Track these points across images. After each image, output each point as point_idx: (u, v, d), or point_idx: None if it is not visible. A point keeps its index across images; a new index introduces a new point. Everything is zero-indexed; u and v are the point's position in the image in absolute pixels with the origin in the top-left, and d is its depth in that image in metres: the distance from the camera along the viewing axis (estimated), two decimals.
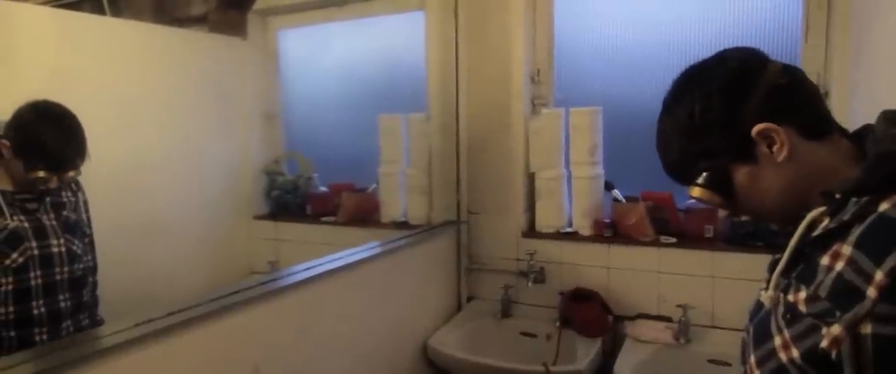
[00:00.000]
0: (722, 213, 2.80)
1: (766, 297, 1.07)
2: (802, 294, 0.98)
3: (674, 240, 2.89)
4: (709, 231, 2.86)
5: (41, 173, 1.79)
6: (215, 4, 3.14)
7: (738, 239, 2.77)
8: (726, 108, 1.09)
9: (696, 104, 1.11)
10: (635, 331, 2.82)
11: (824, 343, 0.91)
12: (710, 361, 2.60)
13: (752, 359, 1.06)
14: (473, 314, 3.20)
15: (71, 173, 1.85)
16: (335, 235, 3.40)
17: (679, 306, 2.75)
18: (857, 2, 2.47)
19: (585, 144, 3.03)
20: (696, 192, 1.17)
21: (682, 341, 2.71)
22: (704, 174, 1.15)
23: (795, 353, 0.96)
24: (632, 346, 2.74)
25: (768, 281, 1.08)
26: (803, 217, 1.04)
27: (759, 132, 1.07)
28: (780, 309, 1.02)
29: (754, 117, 1.07)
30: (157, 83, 2.86)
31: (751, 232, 2.73)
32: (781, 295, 1.03)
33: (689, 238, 2.90)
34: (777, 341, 1.00)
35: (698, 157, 1.14)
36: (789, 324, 0.99)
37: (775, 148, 1.08)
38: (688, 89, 1.14)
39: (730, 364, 2.56)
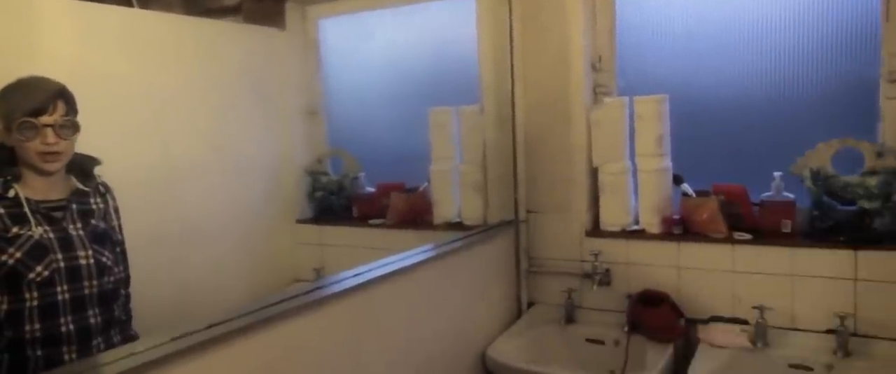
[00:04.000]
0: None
1: None
2: None
3: (749, 236, 2.87)
4: (786, 226, 2.84)
5: (23, 119, 1.76)
6: None
7: (819, 234, 2.75)
8: None
9: None
10: (709, 335, 2.80)
11: None
12: (792, 366, 2.58)
13: None
14: (535, 321, 3.19)
15: (58, 117, 1.79)
16: (384, 238, 3.40)
17: (755, 307, 2.72)
18: None
19: (652, 135, 3.01)
20: None
21: (759, 345, 2.69)
22: None
23: None
24: (705, 351, 2.72)
25: None
26: None
27: None
28: None
29: None
30: (189, 79, 2.86)
31: (832, 226, 2.72)
32: None
33: (765, 234, 2.87)
34: None
35: None
36: None
37: None
38: None
39: (812, 369, 2.55)
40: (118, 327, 1.98)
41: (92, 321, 1.87)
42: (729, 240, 2.88)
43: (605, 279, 3.08)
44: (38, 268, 1.76)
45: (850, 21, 2.74)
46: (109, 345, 1.92)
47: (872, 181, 2.61)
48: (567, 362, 2.91)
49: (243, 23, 3.18)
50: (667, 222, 3.03)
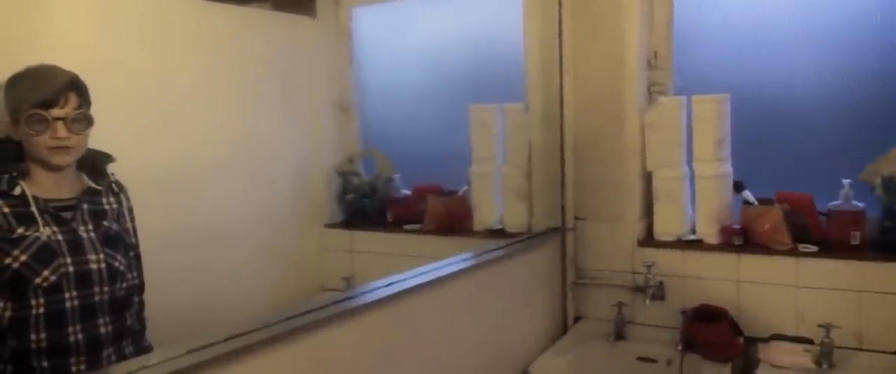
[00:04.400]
0: None
1: None
2: None
3: (814, 248, 2.85)
4: (855, 238, 2.80)
5: (32, 111, 1.75)
6: None
7: (890, 246, 2.72)
8: None
9: None
10: (770, 355, 2.78)
11: None
12: None
13: None
14: (582, 337, 3.17)
15: (70, 109, 1.79)
16: (420, 245, 3.40)
17: (821, 325, 2.69)
18: None
19: (711, 138, 3.00)
20: None
21: (824, 366, 2.66)
22: None
23: None
24: (766, 372, 2.70)
25: None
26: None
27: None
28: None
29: None
30: (211, 70, 2.87)
31: None
32: None
33: (832, 246, 2.85)
34: None
35: None
36: None
37: None
38: None
39: None
40: (131, 337, 1.97)
41: (102, 330, 1.86)
42: (793, 252, 2.86)
43: (658, 293, 3.07)
44: (45, 272, 1.75)
45: None
46: (121, 357, 1.91)
47: None
48: None
49: (271, 10, 3.20)
50: (726, 232, 3.01)
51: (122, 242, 1.95)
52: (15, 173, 1.77)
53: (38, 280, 1.74)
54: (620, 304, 3.11)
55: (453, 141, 3.45)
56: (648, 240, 3.19)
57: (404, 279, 2.25)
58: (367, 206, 3.60)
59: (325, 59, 3.64)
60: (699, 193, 3.06)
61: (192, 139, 2.73)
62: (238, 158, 3.02)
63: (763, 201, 2.99)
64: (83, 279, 1.82)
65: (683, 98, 3.09)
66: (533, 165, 3.23)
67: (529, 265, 3.08)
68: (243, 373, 1.69)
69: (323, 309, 1.91)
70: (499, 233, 3.26)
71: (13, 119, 1.77)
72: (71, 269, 1.79)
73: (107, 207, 1.95)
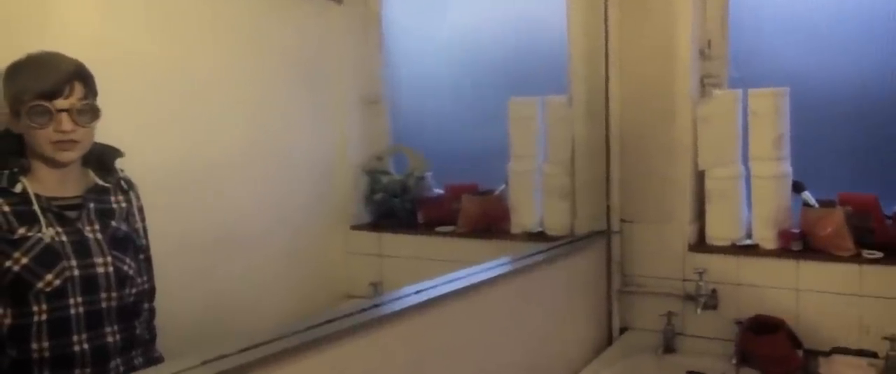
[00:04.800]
0: None
1: None
2: None
3: (880, 254, 2.85)
4: None
5: (34, 102, 1.74)
6: None
7: None
8: None
9: None
10: (831, 369, 2.80)
11: None
12: None
13: None
14: (628, 349, 3.18)
15: (75, 100, 1.78)
16: (453, 249, 3.40)
17: (886, 338, 2.72)
18: None
19: (769, 135, 3.01)
20: None
21: None
22: None
23: None
24: None
25: None
26: None
27: None
28: None
29: None
30: (227, 60, 2.86)
31: None
32: None
33: None
34: None
35: None
36: None
37: None
38: None
39: None
40: (140, 347, 1.96)
41: (110, 339, 1.85)
42: (857, 258, 2.86)
43: (710, 302, 3.06)
44: (48, 276, 1.74)
45: None
46: (130, 368, 1.90)
47: None
48: None
49: None
50: (784, 236, 3.00)
51: (131, 244, 1.94)
52: (16, 169, 1.76)
53: (40, 285, 1.72)
54: (670, 314, 3.12)
55: (490, 136, 3.45)
56: (700, 245, 3.19)
57: (436, 286, 2.24)
58: (396, 206, 3.60)
59: (352, 47, 3.64)
60: (755, 194, 3.05)
61: (207, 133, 2.71)
62: (257, 155, 3.02)
63: (824, 203, 2.98)
64: (89, 284, 1.80)
65: (739, 91, 3.09)
66: (576, 162, 3.22)
67: (572, 271, 3.09)
68: None
69: (348, 318, 1.90)
70: (538, 236, 3.26)
71: (13, 111, 1.75)
72: (76, 273, 1.78)
73: (115, 206, 1.94)
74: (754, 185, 3.05)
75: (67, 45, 1.85)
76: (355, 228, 3.60)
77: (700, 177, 3.21)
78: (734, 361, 2.85)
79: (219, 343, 1.59)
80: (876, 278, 2.81)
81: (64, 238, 1.78)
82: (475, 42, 3.59)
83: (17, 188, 1.74)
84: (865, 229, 2.88)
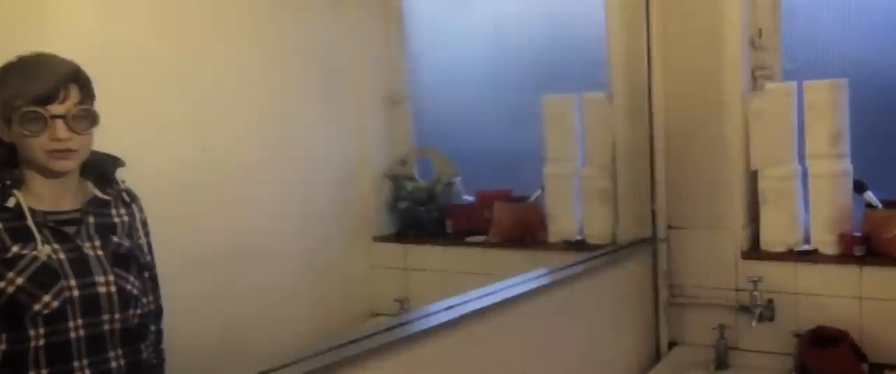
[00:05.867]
0: None
1: None
2: None
3: None
4: None
5: (27, 108, 1.71)
6: None
7: None
8: None
9: None
10: None
11: None
12: None
13: None
14: (677, 366, 3.19)
15: (71, 105, 1.76)
16: (485, 260, 3.41)
17: None
18: None
19: (826, 131, 3.00)
20: None
21: None
22: None
23: None
24: None
25: None
26: None
27: None
28: None
29: None
30: (239, 59, 2.89)
31: None
32: None
33: None
34: None
35: None
36: None
37: None
38: None
39: None
40: (147, 373, 1.94)
41: (113, 365, 1.82)
42: None
43: (766, 313, 3.05)
44: (46, 297, 1.70)
45: None
46: None
47: None
48: None
49: None
50: (845, 240, 2.99)
51: (135, 260, 1.91)
52: (7, 182, 1.73)
53: (37, 307, 1.69)
54: (722, 327, 3.11)
55: (523, 138, 3.46)
56: (754, 251, 3.19)
57: (468, 301, 2.24)
58: (422, 215, 3.61)
59: (373, 43, 3.67)
60: (813, 194, 3.05)
61: (217, 139, 2.75)
62: (271, 162, 3.02)
63: (888, 204, 2.99)
64: (90, 305, 1.77)
65: (793, 84, 3.09)
66: (617, 164, 3.24)
67: (615, 283, 3.10)
68: None
69: (372, 338, 1.90)
70: (578, 245, 3.26)
71: (4, 118, 1.73)
72: (76, 293, 1.75)
73: (116, 219, 1.91)
74: (812, 185, 3.04)
75: (62, 45, 1.83)
76: (378, 239, 3.61)
77: (752, 178, 3.20)
78: None
79: (233, 367, 1.63)
80: None
81: (62, 256, 1.75)
82: (505, 35, 3.60)
83: (10, 202, 1.71)
84: None
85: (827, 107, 2.96)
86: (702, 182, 3.21)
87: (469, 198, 3.65)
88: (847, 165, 3.00)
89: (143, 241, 1.98)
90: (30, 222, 1.72)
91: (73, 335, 1.74)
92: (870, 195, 3.01)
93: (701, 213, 3.23)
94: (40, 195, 1.77)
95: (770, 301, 3.06)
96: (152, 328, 1.99)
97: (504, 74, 3.61)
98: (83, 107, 1.75)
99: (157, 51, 2.51)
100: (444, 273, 3.47)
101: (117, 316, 1.82)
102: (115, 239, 1.87)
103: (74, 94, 1.74)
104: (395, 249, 3.57)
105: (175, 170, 2.48)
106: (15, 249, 1.68)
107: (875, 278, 2.91)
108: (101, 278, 1.80)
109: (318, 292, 3.20)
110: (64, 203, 1.81)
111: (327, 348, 1.78)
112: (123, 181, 1.95)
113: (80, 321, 1.75)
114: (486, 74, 3.65)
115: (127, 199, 1.95)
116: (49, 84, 1.72)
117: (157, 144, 2.27)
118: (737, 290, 3.16)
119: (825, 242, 3.01)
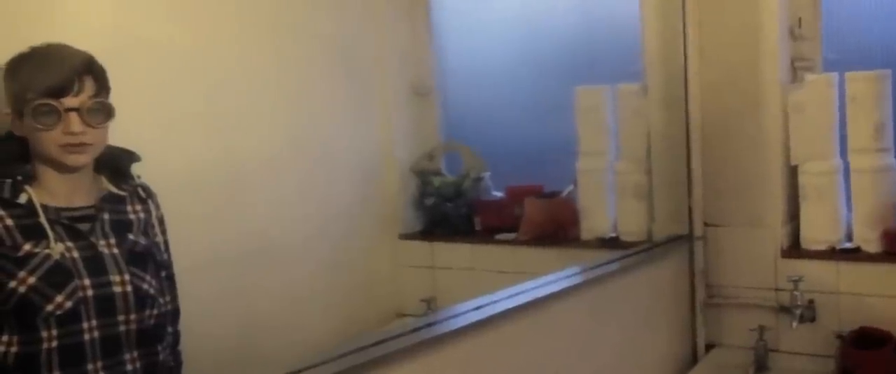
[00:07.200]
0: None
1: None
2: None
3: None
4: None
5: (39, 101, 1.71)
6: None
7: None
8: None
9: None
10: None
11: None
12: None
13: None
14: (715, 368, 3.21)
15: (86, 98, 1.76)
16: (515, 258, 3.40)
17: None
18: None
19: (869, 123, 3.00)
20: None
21: None
22: None
23: None
24: None
25: None
26: None
27: None
28: None
29: None
30: (257, 49, 2.89)
31: None
32: None
33: None
34: None
35: None
36: None
37: None
38: None
39: None
40: None
41: (129, 367, 1.82)
42: None
43: (807, 314, 3.05)
44: (59, 298, 1.71)
45: None
46: None
47: None
48: None
49: None
50: (889, 237, 2.99)
51: (151, 259, 1.92)
52: (19, 177, 1.74)
53: (49, 308, 1.69)
54: (762, 328, 3.11)
55: (555, 131, 3.46)
56: (794, 249, 3.20)
57: (497, 301, 2.24)
58: (450, 211, 3.62)
59: (398, 32, 3.66)
60: (856, 190, 3.05)
61: (236, 133, 2.75)
62: (292, 156, 3.03)
63: None
64: (105, 306, 1.77)
65: (835, 75, 3.09)
66: (652, 159, 3.25)
67: (650, 282, 3.11)
68: None
69: (398, 339, 1.91)
70: (612, 243, 3.27)
71: (16, 111, 1.74)
72: (90, 293, 1.75)
73: (132, 216, 1.91)
74: (854, 180, 3.04)
75: (76, 36, 1.83)
76: (404, 237, 3.61)
77: (792, 173, 3.19)
78: None
79: (253, 371, 1.59)
80: None
81: (75, 254, 1.75)
82: (537, 24, 3.58)
83: (22, 198, 1.72)
84: None
85: (869, 99, 2.96)
86: (740, 177, 3.22)
87: (498, 194, 3.64)
88: (891, 159, 3.01)
89: (159, 238, 1.98)
90: (42, 218, 1.72)
91: (87, 336, 1.74)
92: None
93: (739, 209, 3.24)
94: (53, 191, 1.77)
95: (811, 301, 3.06)
96: (169, 329, 1.98)
97: (535, 64, 3.59)
98: (98, 99, 1.76)
99: (173, 41, 2.50)
100: (472, 272, 3.48)
101: (133, 317, 1.81)
102: (131, 237, 1.87)
103: (89, 86, 1.74)
104: (421, 247, 3.58)
105: (192, 165, 2.48)
106: (27, 247, 1.69)
107: None
108: (116, 278, 1.80)
109: (341, 293, 3.21)
110: (77, 199, 1.81)
111: (351, 350, 1.79)
112: (139, 176, 1.95)
113: (94, 322, 1.75)
114: (516, 65, 3.64)
115: (143, 195, 1.96)
116: (63, 76, 1.72)
117: (174, 139, 2.27)
118: (776, 290, 3.17)
119: (868, 239, 3.01)
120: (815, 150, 3.11)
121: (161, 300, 1.92)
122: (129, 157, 1.92)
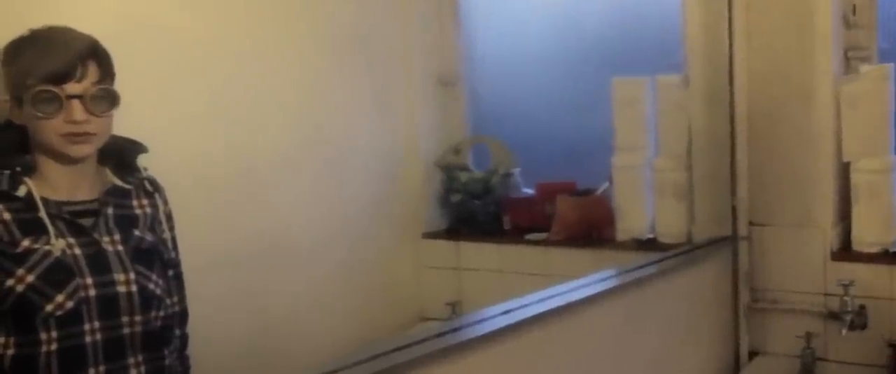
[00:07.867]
0: None
1: None
2: None
3: None
4: None
5: (40, 87, 1.69)
6: None
7: None
8: None
9: None
10: None
11: None
12: None
13: None
14: None
15: (89, 84, 1.74)
16: (546, 260, 3.39)
17: None
18: None
19: None
20: None
21: None
22: None
23: None
24: None
25: None
26: None
27: None
28: None
29: None
30: (274, 38, 2.89)
31: None
32: None
33: None
34: None
35: None
36: None
37: None
38: None
39: None
40: None
41: (133, 372, 1.80)
42: None
43: (858, 321, 3.02)
44: (59, 297, 1.68)
45: None
46: None
47: None
48: None
49: None
50: None
51: (158, 257, 1.90)
52: (18, 169, 1.71)
53: (49, 308, 1.67)
54: (809, 335, 3.10)
55: (590, 125, 3.46)
56: (845, 252, 3.19)
57: (527, 305, 2.23)
58: (477, 209, 3.62)
59: (422, 18, 3.68)
60: None
61: (249, 126, 2.75)
62: (309, 150, 3.04)
63: None
64: (108, 306, 1.75)
65: (890, 66, 3.07)
66: (694, 155, 3.23)
67: (690, 286, 3.10)
68: None
69: (421, 344, 1.90)
70: (649, 244, 3.26)
71: (15, 98, 1.71)
72: (92, 292, 1.72)
73: (138, 211, 1.89)
74: None
75: (79, 19, 1.81)
76: (428, 236, 3.63)
77: (844, 170, 3.19)
78: None
79: None
80: None
81: (77, 251, 1.73)
82: (571, 10, 3.60)
83: (21, 191, 1.69)
84: None
85: None
86: (788, 175, 3.21)
87: (529, 191, 3.64)
88: None
89: (166, 235, 1.96)
90: (42, 213, 1.70)
91: (88, 338, 1.72)
92: None
93: (786, 209, 3.22)
94: (54, 184, 1.75)
95: (862, 307, 3.02)
96: (176, 331, 1.97)
97: (569, 52, 3.60)
98: (102, 86, 1.73)
99: (184, 26, 2.50)
100: (500, 274, 3.47)
101: (138, 318, 1.79)
102: (137, 233, 1.85)
103: (93, 72, 1.72)
104: (446, 247, 3.59)
105: (202, 158, 2.47)
106: (26, 243, 1.66)
107: None
108: (120, 276, 1.78)
109: (362, 295, 3.21)
110: (80, 193, 1.79)
111: (371, 355, 1.78)
112: (146, 169, 1.93)
113: (96, 324, 1.72)
114: (548, 53, 3.65)
115: (150, 188, 1.94)
116: (65, 61, 1.70)
117: (183, 130, 2.26)
118: (825, 294, 3.14)
119: None
120: (869, 146, 3.09)
121: (168, 301, 1.90)
122: (136, 148, 1.90)
